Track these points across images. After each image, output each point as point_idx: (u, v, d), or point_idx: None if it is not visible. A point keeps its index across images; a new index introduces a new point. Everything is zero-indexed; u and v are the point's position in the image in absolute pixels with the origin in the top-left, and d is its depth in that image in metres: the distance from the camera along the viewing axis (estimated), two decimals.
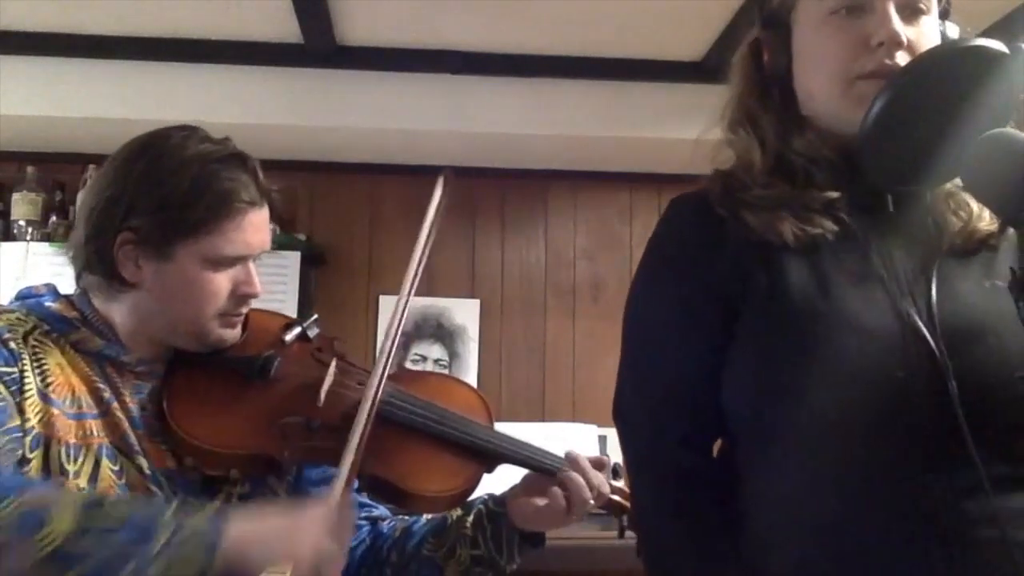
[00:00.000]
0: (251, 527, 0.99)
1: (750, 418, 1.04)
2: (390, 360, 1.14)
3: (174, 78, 2.79)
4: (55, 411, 1.07)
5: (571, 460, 1.29)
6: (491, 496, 1.33)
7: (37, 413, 1.06)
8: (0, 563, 0.89)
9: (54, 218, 2.96)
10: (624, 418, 1.13)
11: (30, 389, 1.07)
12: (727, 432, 1.09)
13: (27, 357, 1.09)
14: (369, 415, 1.09)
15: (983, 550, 0.91)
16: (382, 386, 1.12)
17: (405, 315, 1.18)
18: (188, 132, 1.20)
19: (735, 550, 1.03)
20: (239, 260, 1.18)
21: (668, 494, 1.08)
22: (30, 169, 2.99)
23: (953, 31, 1.08)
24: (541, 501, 1.27)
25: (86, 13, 2.62)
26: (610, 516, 1.39)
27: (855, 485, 0.96)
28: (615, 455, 2.89)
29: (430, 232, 1.23)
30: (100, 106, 2.78)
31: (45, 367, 1.10)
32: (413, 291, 1.19)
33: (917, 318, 0.96)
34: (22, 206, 2.95)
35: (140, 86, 2.78)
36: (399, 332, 1.16)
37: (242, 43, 2.78)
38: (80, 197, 2.89)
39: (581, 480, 1.26)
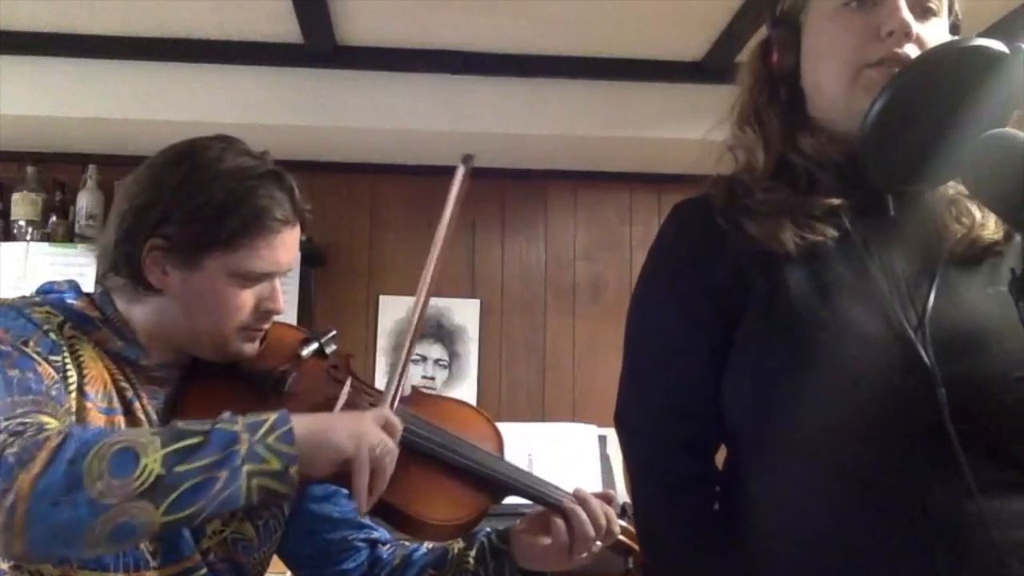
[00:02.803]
0: (315, 421, 1.04)
1: (750, 424, 1.04)
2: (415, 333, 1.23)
3: (174, 78, 2.78)
4: (88, 405, 1.08)
5: (579, 498, 1.25)
6: (495, 530, 1.32)
7: (73, 405, 1.06)
8: (106, 508, 0.90)
9: (54, 218, 2.95)
10: (625, 425, 1.13)
11: (72, 381, 1.08)
12: (728, 438, 1.09)
13: (66, 349, 1.09)
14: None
15: (985, 554, 0.90)
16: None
17: (427, 300, 1.26)
18: (227, 144, 1.19)
19: (738, 556, 1.03)
20: (266, 277, 1.19)
21: (671, 501, 1.08)
22: (30, 169, 2.98)
23: None
24: (545, 539, 1.25)
25: (86, 13, 2.62)
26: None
27: (856, 491, 0.96)
28: (615, 455, 2.88)
29: (449, 225, 1.27)
30: (100, 106, 2.76)
31: (81, 359, 1.10)
32: (435, 271, 1.28)
33: (908, 326, 0.96)
34: (22, 206, 2.95)
35: (140, 86, 2.77)
36: (420, 317, 1.24)
37: (242, 43, 2.77)
38: (84, 198, 2.90)
39: (585, 516, 1.23)
